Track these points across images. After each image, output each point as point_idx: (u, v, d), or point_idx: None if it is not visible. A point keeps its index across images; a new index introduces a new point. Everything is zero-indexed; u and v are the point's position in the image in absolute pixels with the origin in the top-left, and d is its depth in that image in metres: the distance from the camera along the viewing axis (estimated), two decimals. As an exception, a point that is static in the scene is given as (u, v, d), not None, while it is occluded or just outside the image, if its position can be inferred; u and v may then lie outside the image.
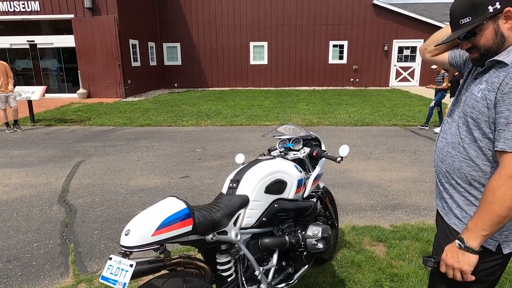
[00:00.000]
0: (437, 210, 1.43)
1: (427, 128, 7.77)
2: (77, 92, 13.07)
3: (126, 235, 1.37)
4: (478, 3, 1.14)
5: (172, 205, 1.51)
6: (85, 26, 12.61)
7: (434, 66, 7.96)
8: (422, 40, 16.04)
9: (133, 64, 14.03)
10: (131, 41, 13.79)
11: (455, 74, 6.98)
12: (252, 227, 1.85)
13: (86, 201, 3.99)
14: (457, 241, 1.17)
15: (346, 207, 3.80)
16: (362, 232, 3.16)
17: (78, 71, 13.18)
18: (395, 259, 2.74)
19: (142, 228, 1.39)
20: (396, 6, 16.56)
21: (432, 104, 7.73)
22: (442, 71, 7.59)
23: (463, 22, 1.18)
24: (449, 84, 7.25)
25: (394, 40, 16.51)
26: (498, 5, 1.12)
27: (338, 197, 4.04)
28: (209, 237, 1.58)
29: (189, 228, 1.49)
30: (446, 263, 1.19)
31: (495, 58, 1.16)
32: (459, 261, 1.15)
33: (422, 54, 1.62)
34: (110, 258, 1.36)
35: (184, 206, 1.51)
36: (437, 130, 7.60)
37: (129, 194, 4.17)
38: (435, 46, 1.43)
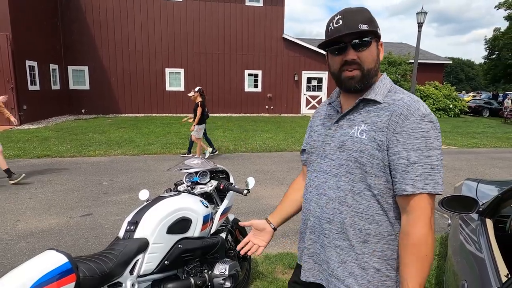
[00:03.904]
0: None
1: (212, 151, 7.72)
2: (-45, 118, 11.08)
3: (-17, 305, 1.12)
4: (373, 19, 1.10)
5: (50, 260, 1.30)
6: (-32, 43, 10.95)
7: (190, 94, 7.51)
8: (327, 73, 17.74)
9: (31, 87, 12.54)
10: (28, 62, 12.38)
11: (198, 101, 7.25)
12: (152, 273, 1.70)
13: (-46, 253, 3.27)
14: None
15: (260, 235, 3.81)
16: (275, 261, 3.19)
17: (-43, 95, 11.25)
18: (306, 285, 2.80)
19: (6, 294, 1.15)
20: (304, 41, 18.15)
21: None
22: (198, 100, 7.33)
23: (361, 27, 1.05)
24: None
25: (303, 71, 17.94)
26: (379, 33, 1.12)
27: (253, 225, 4.04)
28: (98, 292, 1.39)
29: (71, 286, 1.29)
30: None
31: (365, 97, 1.11)
32: None
33: None
34: None
35: (64, 260, 1.31)
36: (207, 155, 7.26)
37: (14, 240, 3.56)
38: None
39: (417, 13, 13.90)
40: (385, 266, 1.09)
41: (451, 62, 27.36)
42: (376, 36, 1.10)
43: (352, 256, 1.10)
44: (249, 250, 1.36)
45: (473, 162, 7.79)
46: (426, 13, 13.80)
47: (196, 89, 7.50)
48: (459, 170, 6.96)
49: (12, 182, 5.41)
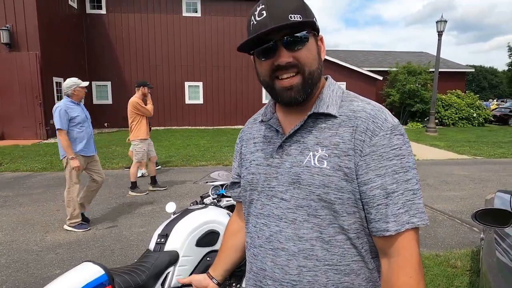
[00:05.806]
0: None
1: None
2: (-14, 133, 11.64)
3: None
4: (306, 6, 0.83)
5: (87, 272, 1.34)
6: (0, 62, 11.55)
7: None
8: (345, 83, 17.66)
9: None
10: (55, 79, 12.92)
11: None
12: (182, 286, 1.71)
13: (-12, 264, 3.40)
14: None
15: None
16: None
17: (-10, 111, 11.83)
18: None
19: (47, 306, 1.19)
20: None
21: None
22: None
23: (293, 18, 0.78)
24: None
25: (321, 82, 17.91)
26: (317, 24, 0.85)
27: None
28: (132, 305, 1.42)
29: (107, 298, 1.32)
30: None
31: (316, 111, 0.86)
32: None
33: None
34: None
35: (101, 272, 1.35)
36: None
37: (44, 252, 3.66)
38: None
39: (437, 22, 13.73)
40: None
41: (473, 70, 26.73)
42: (313, 29, 0.84)
43: None
44: None
45: (502, 173, 7.51)
46: (446, 21, 13.62)
47: None
48: (487, 182, 6.72)
49: (133, 194, 5.73)
